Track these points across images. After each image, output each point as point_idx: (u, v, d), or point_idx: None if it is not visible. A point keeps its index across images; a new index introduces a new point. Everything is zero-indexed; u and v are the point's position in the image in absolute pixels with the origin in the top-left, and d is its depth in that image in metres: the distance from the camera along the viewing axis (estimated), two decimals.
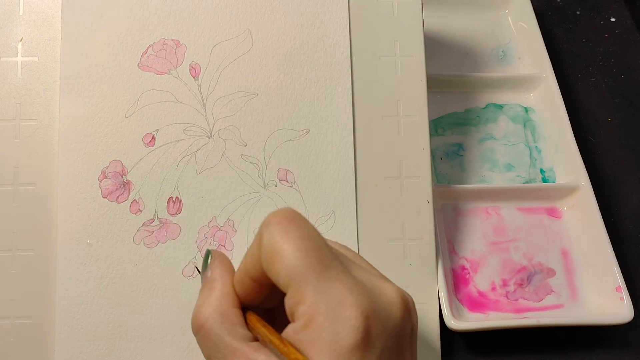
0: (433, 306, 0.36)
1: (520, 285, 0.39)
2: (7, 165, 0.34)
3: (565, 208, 0.42)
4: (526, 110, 0.48)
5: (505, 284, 0.39)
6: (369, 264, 0.27)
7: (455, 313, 0.36)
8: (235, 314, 0.24)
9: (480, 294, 0.39)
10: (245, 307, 0.25)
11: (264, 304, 0.26)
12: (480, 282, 0.39)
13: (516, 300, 0.39)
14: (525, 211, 0.42)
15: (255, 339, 0.24)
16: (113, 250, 0.34)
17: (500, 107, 0.48)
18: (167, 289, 0.34)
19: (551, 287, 0.39)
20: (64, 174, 0.34)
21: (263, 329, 0.24)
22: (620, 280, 0.37)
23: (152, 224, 0.34)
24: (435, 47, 0.50)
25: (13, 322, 0.33)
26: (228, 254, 0.34)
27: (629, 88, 0.51)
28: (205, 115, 0.35)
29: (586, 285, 0.39)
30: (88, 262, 0.33)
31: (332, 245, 0.25)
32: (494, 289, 0.39)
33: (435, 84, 0.46)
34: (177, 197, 0.35)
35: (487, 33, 0.52)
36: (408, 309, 0.24)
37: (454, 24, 0.52)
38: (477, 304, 0.38)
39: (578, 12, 0.56)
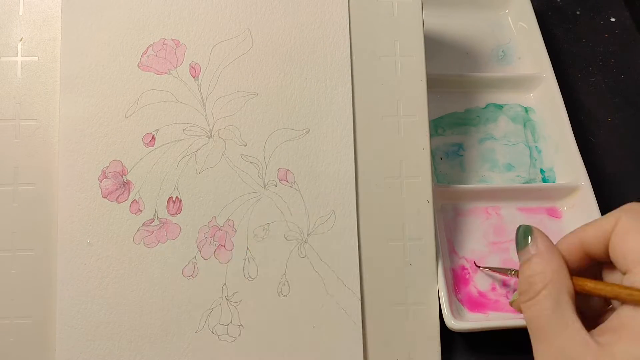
0: (433, 306, 0.36)
1: None
2: (7, 165, 0.34)
3: (565, 208, 0.42)
4: (526, 110, 0.48)
5: (505, 284, 0.39)
6: None
7: (455, 313, 0.36)
8: (571, 287, 0.25)
9: (480, 294, 0.39)
10: None
11: None
12: (480, 282, 0.39)
13: None
14: (525, 211, 0.42)
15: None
16: (113, 250, 0.34)
17: (500, 107, 0.48)
18: (167, 289, 0.34)
19: None
20: (64, 174, 0.34)
21: (599, 283, 0.25)
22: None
23: (152, 224, 0.34)
24: (435, 47, 0.50)
25: (13, 322, 0.33)
26: (228, 254, 0.34)
27: (629, 88, 0.51)
28: (205, 115, 0.35)
29: None
30: (88, 262, 0.33)
31: None
32: (494, 289, 0.39)
33: (435, 84, 0.46)
34: (177, 197, 0.35)
35: (487, 33, 0.52)
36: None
37: (454, 24, 0.52)
38: (477, 304, 0.38)
39: (578, 12, 0.56)
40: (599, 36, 0.54)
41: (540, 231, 0.28)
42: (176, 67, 0.36)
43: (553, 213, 0.42)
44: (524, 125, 0.47)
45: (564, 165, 0.44)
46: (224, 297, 0.34)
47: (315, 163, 0.36)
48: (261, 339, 0.34)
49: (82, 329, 0.33)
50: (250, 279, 0.34)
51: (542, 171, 0.45)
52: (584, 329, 0.24)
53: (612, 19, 0.55)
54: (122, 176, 0.34)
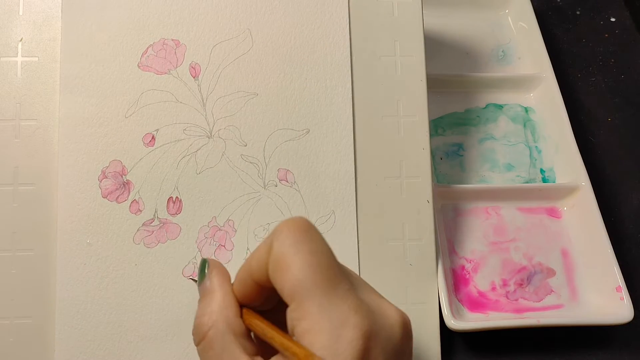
0: (433, 306, 0.36)
1: (520, 285, 0.39)
2: (7, 165, 0.34)
3: (565, 208, 0.42)
4: (526, 110, 0.48)
5: (505, 284, 0.39)
6: (373, 288, 0.26)
7: (455, 313, 0.36)
8: (239, 324, 0.24)
9: (480, 294, 0.39)
10: (241, 305, 0.25)
11: (261, 306, 0.26)
12: (480, 282, 0.39)
13: (516, 300, 0.39)
14: (525, 211, 0.42)
15: (257, 353, 0.24)
16: (113, 250, 0.34)
17: (500, 107, 0.48)
18: (167, 289, 0.34)
19: (551, 287, 0.39)
20: (64, 174, 0.34)
21: (261, 324, 0.24)
22: (620, 280, 0.37)
23: (152, 224, 0.34)
24: (435, 47, 0.50)
25: (13, 322, 0.33)
26: (228, 254, 0.34)
27: (629, 88, 0.51)
28: (205, 115, 0.35)
29: (586, 285, 0.39)
30: (88, 262, 0.33)
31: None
32: (494, 289, 0.39)
33: (435, 84, 0.46)
34: (177, 197, 0.35)
35: (487, 33, 0.52)
36: (408, 330, 0.24)
37: (454, 24, 0.52)
38: (477, 304, 0.38)
39: (578, 12, 0.56)
40: (599, 36, 0.54)
41: (217, 264, 0.26)
42: (176, 67, 0.36)
43: (553, 213, 0.42)
44: (524, 125, 0.47)
45: (564, 165, 0.44)
46: None
47: (315, 163, 0.36)
48: None
49: (82, 329, 0.33)
50: None
51: (542, 171, 0.45)
52: None
53: (612, 19, 0.55)
54: (122, 176, 0.34)
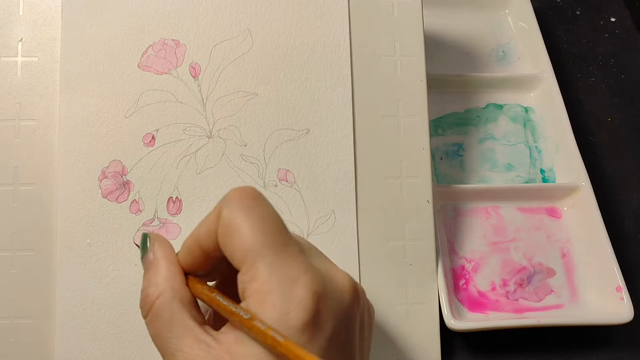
0: (433, 306, 0.36)
1: (520, 285, 0.39)
2: (7, 165, 0.34)
3: (565, 208, 0.42)
4: (526, 110, 0.48)
5: (505, 284, 0.39)
6: (324, 255, 0.27)
7: (455, 313, 0.36)
8: (186, 293, 0.24)
9: (480, 294, 0.39)
10: (186, 274, 0.25)
11: (207, 278, 0.26)
12: (480, 282, 0.39)
13: (516, 300, 0.39)
14: (525, 211, 0.42)
15: (205, 323, 0.24)
16: (113, 250, 0.34)
17: (500, 107, 0.48)
18: None
19: (551, 287, 0.39)
20: (64, 174, 0.34)
21: (207, 291, 0.24)
22: (620, 280, 0.37)
23: (152, 224, 0.34)
24: (435, 47, 0.50)
25: (13, 322, 0.33)
26: None
27: (629, 88, 0.51)
28: (205, 115, 0.35)
29: (586, 285, 0.39)
30: (88, 262, 0.33)
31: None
32: (494, 289, 0.39)
33: (435, 84, 0.46)
34: (177, 197, 0.35)
35: (487, 33, 0.52)
36: (357, 296, 0.24)
37: (454, 24, 0.52)
38: (477, 304, 0.38)
39: (578, 12, 0.56)
40: (599, 36, 0.54)
41: (159, 237, 0.26)
42: (176, 67, 0.36)
43: (553, 213, 0.42)
44: (524, 125, 0.47)
45: (564, 165, 0.44)
46: None
47: (315, 163, 0.36)
48: None
49: (82, 329, 0.33)
50: None
51: (542, 171, 0.45)
52: (203, 332, 0.23)
53: (612, 19, 0.55)
54: (122, 176, 0.34)
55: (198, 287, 0.25)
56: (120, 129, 0.35)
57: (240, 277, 0.23)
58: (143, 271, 0.26)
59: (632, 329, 0.38)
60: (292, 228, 0.35)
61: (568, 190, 0.42)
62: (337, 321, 0.22)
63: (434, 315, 0.36)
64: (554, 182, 0.44)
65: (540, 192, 0.42)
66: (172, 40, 0.36)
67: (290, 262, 0.22)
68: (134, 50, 0.35)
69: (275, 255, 0.22)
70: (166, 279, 0.24)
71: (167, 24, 0.36)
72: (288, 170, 0.35)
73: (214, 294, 0.24)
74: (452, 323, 0.35)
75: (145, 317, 0.24)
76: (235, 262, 0.23)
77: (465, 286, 0.39)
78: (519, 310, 0.38)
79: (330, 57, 0.37)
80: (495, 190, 0.42)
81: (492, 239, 0.41)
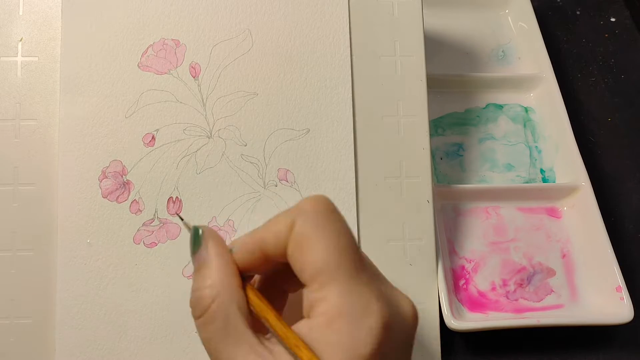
0: (433, 306, 0.36)
1: (520, 285, 0.39)
2: (7, 165, 0.34)
3: (565, 208, 0.42)
4: (526, 110, 0.48)
5: (505, 284, 0.39)
6: (383, 276, 0.26)
7: (455, 313, 0.36)
8: (243, 297, 0.23)
9: (480, 294, 0.39)
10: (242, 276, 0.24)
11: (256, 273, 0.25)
12: (480, 282, 0.39)
13: (516, 300, 0.39)
14: (525, 211, 0.42)
15: (259, 329, 0.23)
16: (113, 250, 0.34)
17: (500, 107, 0.48)
18: (167, 289, 0.34)
19: (551, 287, 0.39)
20: (64, 174, 0.34)
21: (265, 307, 0.23)
22: (620, 280, 0.37)
23: (152, 224, 0.34)
24: (435, 47, 0.50)
25: (13, 322, 0.33)
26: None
27: (629, 88, 0.51)
28: (205, 115, 0.35)
29: (586, 285, 0.39)
30: (88, 262, 0.33)
31: None
32: (494, 289, 0.39)
33: (435, 84, 0.46)
34: (177, 197, 0.35)
35: (487, 33, 0.52)
36: (417, 320, 0.24)
37: (454, 24, 0.52)
38: (477, 304, 0.38)
39: (578, 12, 0.56)
40: (599, 36, 0.54)
41: (213, 233, 0.24)
42: (176, 67, 0.36)
43: (553, 213, 0.42)
44: (524, 125, 0.47)
45: (564, 165, 0.44)
46: None
47: (315, 163, 0.36)
48: None
49: (82, 329, 0.33)
50: None
51: (542, 171, 0.45)
52: (257, 342, 0.22)
53: (612, 19, 0.55)
54: (122, 176, 0.34)
55: (255, 301, 0.23)
56: (120, 129, 0.35)
57: (309, 294, 0.22)
58: (194, 268, 0.24)
59: (632, 329, 0.38)
60: None
61: (568, 190, 0.42)
62: (399, 349, 0.22)
63: (434, 315, 0.36)
64: (554, 182, 0.44)
65: (540, 192, 0.42)
66: (172, 40, 0.36)
67: (363, 289, 0.21)
68: (134, 50, 0.35)
69: (349, 280, 0.21)
70: (222, 282, 0.23)
71: (167, 24, 0.36)
72: (288, 170, 0.35)
73: (272, 316, 0.23)
74: (452, 323, 0.35)
75: (197, 318, 0.23)
76: (304, 278, 0.22)
77: (465, 286, 0.39)
78: (519, 310, 0.38)
79: (330, 57, 0.37)
80: (495, 190, 0.42)
81: (492, 239, 0.41)
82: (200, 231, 0.24)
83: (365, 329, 0.21)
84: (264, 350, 0.22)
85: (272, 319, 0.23)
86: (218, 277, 0.23)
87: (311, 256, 0.22)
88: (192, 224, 0.25)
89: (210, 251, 0.24)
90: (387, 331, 0.21)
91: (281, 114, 0.36)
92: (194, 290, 0.23)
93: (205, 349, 0.23)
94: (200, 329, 0.23)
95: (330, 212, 0.23)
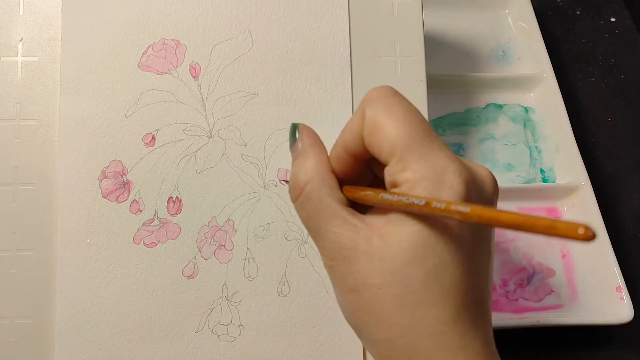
0: None
1: (520, 285, 0.39)
2: (7, 165, 0.34)
3: (565, 208, 0.42)
4: (526, 110, 0.48)
5: (505, 284, 0.39)
6: None
7: None
8: (333, 178, 0.25)
9: None
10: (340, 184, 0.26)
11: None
12: None
13: (516, 300, 0.39)
14: (526, 211, 0.42)
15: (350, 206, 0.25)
16: (113, 250, 0.34)
17: (500, 107, 0.48)
18: (167, 289, 0.34)
19: (551, 287, 0.39)
20: (64, 174, 0.34)
21: (365, 190, 0.24)
22: (620, 280, 0.38)
23: (152, 224, 0.34)
24: (435, 47, 0.50)
25: (13, 322, 0.33)
26: (228, 254, 0.34)
27: (629, 88, 0.51)
28: (205, 115, 0.35)
29: (586, 285, 0.39)
30: (88, 262, 0.33)
31: None
32: (493, 289, 0.39)
33: (435, 84, 0.46)
34: (177, 197, 0.35)
35: (487, 33, 0.52)
36: (497, 188, 0.25)
37: (454, 24, 0.52)
38: None
39: (578, 12, 0.56)
40: (599, 36, 0.54)
41: (307, 127, 0.28)
42: (176, 67, 0.36)
43: (553, 213, 0.42)
44: (524, 125, 0.47)
45: (564, 165, 0.44)
46: (224, 297, 0.34)
47: None
48: (261, 339, 0.34)
49: (82, 329, 0.33)
50: (250, 278, 0.34)
51: (542, 171, 0.45)
52: (351, 215, 0.24)
53: (612, 19, 0.55)
54: (122, 176, 0.34)
55: (356, 191, 0.25)
56: (120, 129, 0.35)
57: (389, 170, 0.23)
58: (292, 160, 0.27)
59: (632, 329, 0.38)
60: (292, 228, 0.35)
61: (568, 190, 0.42)
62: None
63: None
64: (554, 182, 0.44)
65: (540, 192, 0.42)
66: (172, 40, 0.36)
67: (439, 152, 0.23)
68: (134, 50, 0.35)
69: (424, 146, 0.23)
70: (314, 166, 0.25)
71: (167, 24, 0.36)
72: (288, 170, 0.35)
73: (380, 194, 0.24)
74: None
75: (294, 200, 0.26)
76: (384, 157, 0.23)
77: None
78: (519, 310, 0.38)
79: (330, 57, 0.37)
80: None
81: None
82: (297, 127, 0.28)
83: (447, 185, 0.22)
84: (356, 220, 0.24)
85: (370, 190, 0.24)
86: (310, 164, 0.26)
87: (384, 134, 0.23)
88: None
89: (305, 143, 0.27)
90: (467, 188, 0.22)
91: (281, 114, 0.36)
92: (292, 176, 0.26)
93: (306, 227, 0.25)
94: (298, 209, 0.26)
95: (394, 94, 0.24)
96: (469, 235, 0.22)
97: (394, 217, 0.23)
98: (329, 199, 0.24)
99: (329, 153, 0.27)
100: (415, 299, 0.22)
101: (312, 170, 0.25)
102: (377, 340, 0.23)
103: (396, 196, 0.22)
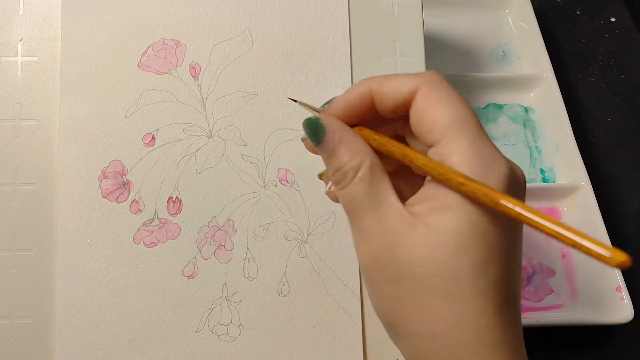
0: None
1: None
2: (7, 165, 0.34)
3: (565, 208, 0.42)
4: (526, 110, 0.48)
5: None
6: None
7: None
8: (381, 164, 0.24)
9: None
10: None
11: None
12: None
13: None
14: None
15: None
16: (113, 250, 0.34)
17: (500, 107, 0.48)
18: (167, 289, 0.34)
19: (551, 287, 0.39)
20: (64, 174, 0.34)
21: (414, 153, 0.24)
22: (620, 280, 0.38)
23: (152, 224, 0.34)
24: (435, 47, 0.50)
25: (13, 322, 0.33)
26: (228, 254, 0.34)
27: (629, 88, 0.51)
28: (205, 115, 0.35)
29: (586, 285, 0.39)
30: (88, 262, 0.33)
31: None
32: None
33: None
34: (177, 197, 0.35)
35: (487, 33, 0.52)
36: (526, 184, 0.25)
37: (454, 24, 0.52)
38: None
39: (578, 12, 0.56)
40: (599, 36, 0.54)
41: (329, 117, 0.26)
42: (176, 67, 0.36)
43: (553, 213, 0.42)
44: (524, 125, 0.47)
45: (564, 165, 0.44)
46: (224, 297, 0.34)
47: (316, 163, 0.36)
48: (261, 339, 0.34)
49: (82, 329, 0.33)
50: (250, 278, 0.34)
51: (542, 171, 0.45)
52: (399, 201, 0.23)
53: (612, 19, 0.55)
54: (122, 176, 0.34)
55: (372, 136, 0.25)
56: (120, 129, 0.35)
57: (440, 149, 0.23)
58: (324, 154, 0.26)
59: (632, 329, 0.38)
60: (292, 228, 0.35)
61: (568, 190, 0.42)
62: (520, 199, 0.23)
63: None
64: (554, 182, 0.44)
65: (540, 192, 0.42)
66: (172, 40, 0.36)
67: (488, 142, 0.23)
68: (134, 50, 0.35)
69: (476, 134, 0.23)
70: (362, 152, 0.24)
71: (167, 24, 0.36)
72: (288, 170, 0.35)
73: (398, 144, 0.24)
74: None
75: (340, 185, 0.25)
76: (434, 135, 0.23)
77: None
78: None
79: (330, 57, 0.37)
80: None
81: None
82: (318, 119, 0.26)
83: (496, 174, 0.22)
84: (402, 208, 0.23)
85: (424, 159, 0.23)
86: (356, 149, 0.24)
87: (440, 112, 0.23)
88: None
89: (338, 133, 0.25)
90: (512, 181, 0.22)
91: (281, 114, 0.36)
92: (336, 169, 0.25)
93: (346, 210, 0.24)
94: (343, 192, 0.24)
95: (449, 82, 0.24)
96: (512, 231, 0.22)
97: (438, 205, 0.22)
98: (380, 185, 0.24)
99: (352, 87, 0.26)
100: (460, 291, 0.21)
101: (364, 153, 0.24)
102: (417, 335, 0.22)
103: (436, 164, 0.22)
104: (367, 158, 0.24)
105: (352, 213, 0.24)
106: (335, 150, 0.25)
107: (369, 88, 0.25)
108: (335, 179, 0.25)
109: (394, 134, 0.27)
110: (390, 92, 0.24)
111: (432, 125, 0.23)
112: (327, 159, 0.26)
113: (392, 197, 0.23)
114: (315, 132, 0.26)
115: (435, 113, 0.23)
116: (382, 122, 0.26)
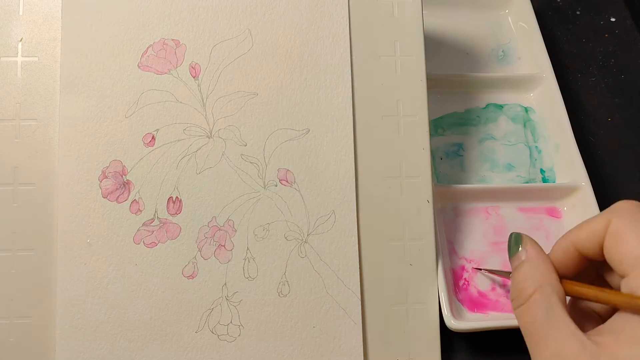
0: (433, 306, 0.36)
1: None
2: (7, 165, 0.34)
3: (565, 208, 0.42)
4: (526, 110, 0.48)
5: (505, 284, 0.39)
6: None
7: (455, 313, 0.36)
8: (562, 290, 0.26)
9: (480, 294, 0.39)
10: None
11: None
12: (480, 282, 0.39)
13: None
14: (525, 211, 0.42)
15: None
16: (113, 250, 0.34)
17: (500, 107, 0.48)
18: (167, 289, 0.34)
19: None
20: (64, 174, 0.34)
21: (596, 290, 0.25)
22: None
23: (152, 224, 0.34)
24: (435, 47, 0.50)
25: (13, 322, 0.33)
26: (228, 254, 0.34)
27: (629, 88, 0.51)
28: (205, 115, 0.35)
29: None
30: (88, 262, 0.33)
31: None
32: (493, 289, 0.39)
33: (435, 84, 0.46)
34: (177, 197, 0.35)
35: (487, 33, 0.52)
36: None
37: (454, 24, 0.52)
38: (477, 304, 0.38)
39: (578, 12, 0.56)
40: (599, 36, 0.54)
41: (530, 238, 0.28)
42: (176, 67, 0.36)
43: (553, 213, 0.42)
44: (524, 125, 0.47)
45: (564, 165, 0.44)
46: (224, 297, 0.34)
47: (315, 163, 0.36)
48: (261, 338, 0.34)
49: (82, 329, 0.33)
50: (250, 279, 0.34)
51: (542, 171, 0.45)
52: (578, 330, 0.24)
53: (612, 19, 0.55)
54: (122, 176, 0.34)
55: (574, 288, 0.26)
56: (120, 129, 0.35)
57: (630, 282, 0.24)
58: (512, 267, 0.28)
59: None
60: (292, 228, 0.35)
61: (568, 190, 0.42)
62: None
63: (434, 315, 0.36)
64: (554, 182, 0.44)
65: (540, 192, 0.42)
66: (172, 40, 0.36)
67: None
68: (134, 50, 0.35)
69: None
70: (543, 275, 0.26)
71: (167, 24, 0.36)
72: (288, 170, 0.35)
73: (599, 290, 0.25)
74: (452, 323, 0.35)
75: (518, 307, 0.26)
76: (623, 268, 0.24)
77: (465, 286, 0.39)
78: None
79: (330, 57, 0.37)
80: (495, 190, 0.42)
81: (492, 239, 0.41)
82: (520, 236, 0.28)
83: None
84: (583, 336, 0.24)
85: (609, 294, 0.25)
86: (538, 272, 0.26)
87: (629, 247, 0.24)
88: None
89: (530, 251, 0.27)
90: None
91: (281, 114, 0.36)
92: (516, 283, 0.27)
93: (525, 334, 0.26)
94: (522, 315, 0.26)
95: None
96: None
97: (627, 338, 0.23)
98: (558, 308, 0.25)
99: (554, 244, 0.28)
100: None
101: (542, 278, 0.26)
102: None
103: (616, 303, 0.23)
104: (548, 283, 0.25)
105: (530, 336, 0.25)
106: (521, 265, 0.27)
107: (569, 241, 0.27)
108: (513, 294, 0.27)
109: None
110: (588, 238, 0.26)
111: (622, 257, 0.24)
112: (513, 273, 0.27)
113: (571, 326, 0.24)
114: (514, 243, 0.28)
115: (624, 245, 0.24)
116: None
